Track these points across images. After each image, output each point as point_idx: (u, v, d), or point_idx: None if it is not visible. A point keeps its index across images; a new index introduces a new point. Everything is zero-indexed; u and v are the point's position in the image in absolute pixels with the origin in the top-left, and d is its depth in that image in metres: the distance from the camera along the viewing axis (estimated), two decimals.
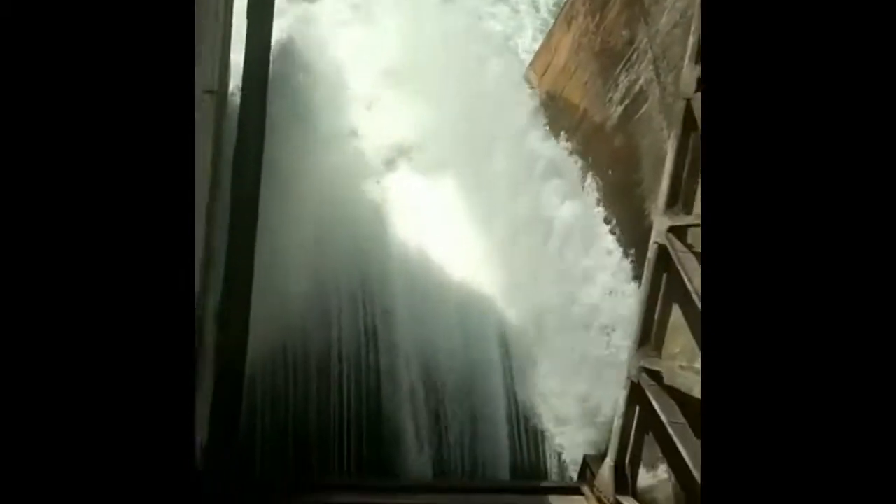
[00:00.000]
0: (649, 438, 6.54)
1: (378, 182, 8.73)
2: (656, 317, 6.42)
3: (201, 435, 5.31)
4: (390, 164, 9.12)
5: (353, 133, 9.03)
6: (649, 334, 6.49)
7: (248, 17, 5.65)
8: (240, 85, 5.71)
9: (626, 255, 7.50)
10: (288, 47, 7.43)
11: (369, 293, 7.59)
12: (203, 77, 3.26)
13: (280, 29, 7.54)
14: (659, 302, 6.44)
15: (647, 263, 6.59)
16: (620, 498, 6.51)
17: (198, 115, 2.98)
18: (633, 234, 7.44)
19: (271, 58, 7.16)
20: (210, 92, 3.56)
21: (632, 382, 6.52)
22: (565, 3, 9.51)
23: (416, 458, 7.11)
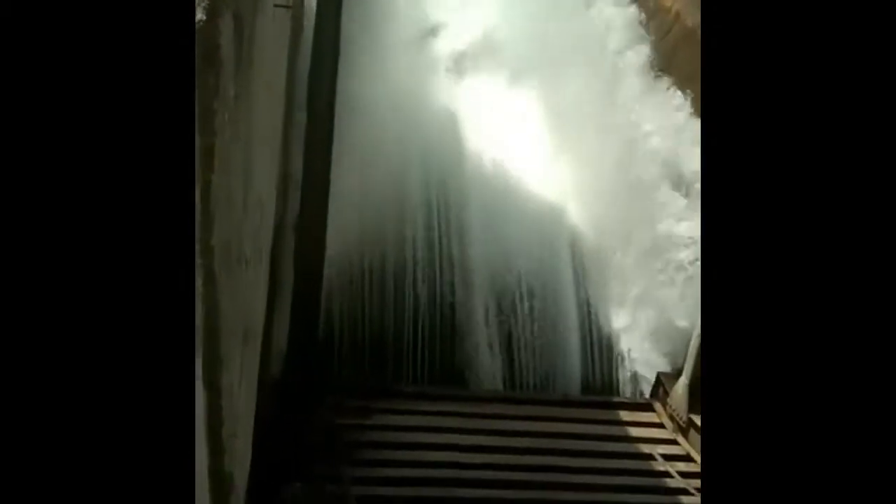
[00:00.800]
0: None
1: (456, 85, 8.51)
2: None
3: (281, 341, 5.51)
4: (469, 66, 8.84)
5: (433, 32, 8.75)
6: None
7: None
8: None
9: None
10: None
11: (444, 201, 7.57)
12: None
13: None
14: None
15: None
16: (693, 416, 6.47)
17: (271, 31, 2.91)
18: None
19: None
20: (282, 6, 3.46)
21: None
22: None
23: (488, 369, 7.22)
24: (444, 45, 8.75)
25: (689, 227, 7.08)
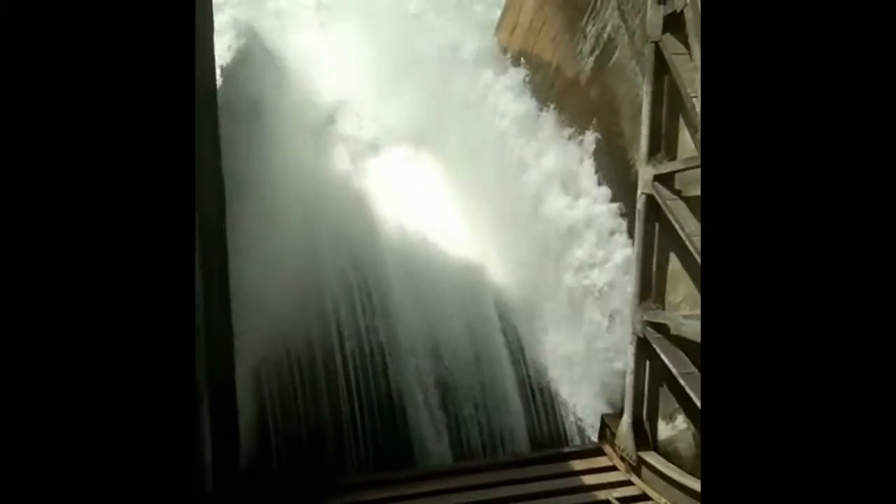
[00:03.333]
0: (663, 391, 6.45)
1: (357, 167, 8.59)
2: (654, 268, 6.30)
3: (207, 454, 5.25)
4: (367, 149, 8.95)
5: (330, 122, 8.88)
6: (649, 287, 6.37)
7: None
8: None
9: (614, 206, 7.33)
10: (251, 43, 7.31)
11: (363, 280, 7.51)
12: None
13: (241, 27, 7.43)
14: (654, 253, 6.31)
15: (637, 215, 6.45)
16: (642, 454, 6.44)
17: None
18: (619, 185, 7.27)
19: (236, 54, 7.09)
20: None
21: (638, 338, 6.42)
22: None
23: (434, 442, 7.05)
24: (343, 129, 8.89)
25: (602, 270, 7.19)
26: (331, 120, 8.90)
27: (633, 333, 6.49)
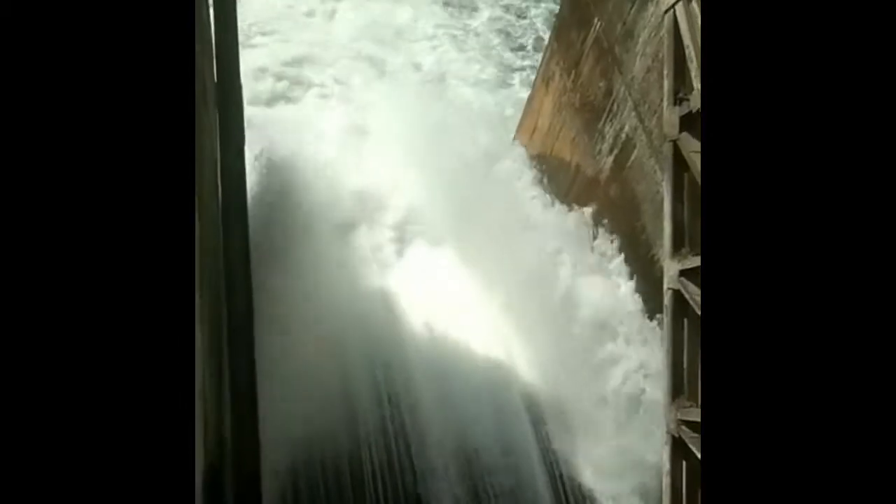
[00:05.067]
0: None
1: (383, 264, 8.71)
2: (685, 364, 6.20)
3: None
4: (393, 245, 9.10)
5: (353, 226, 9.09)
6: (681, 384, 6.24)
7: (221, 125, 5.70)
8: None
9: (640, 301, 7.32)
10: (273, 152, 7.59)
11: (390, 381, 7.46)
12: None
13: (264, 136, 7.75)
14: (685, 348, 6.23)
15: (664, 310, 6.41)
16: None
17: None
18: (645, 281, 7.28)
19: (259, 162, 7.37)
20: None
21: (672, 437, 6.25)
22: (540, 66, 9.64)
23: None
24: (366, 229, 9.08)
25: (637, 363, 7.11)
26: (356, 218, 9.09)
27: (668, 432, 6.32)
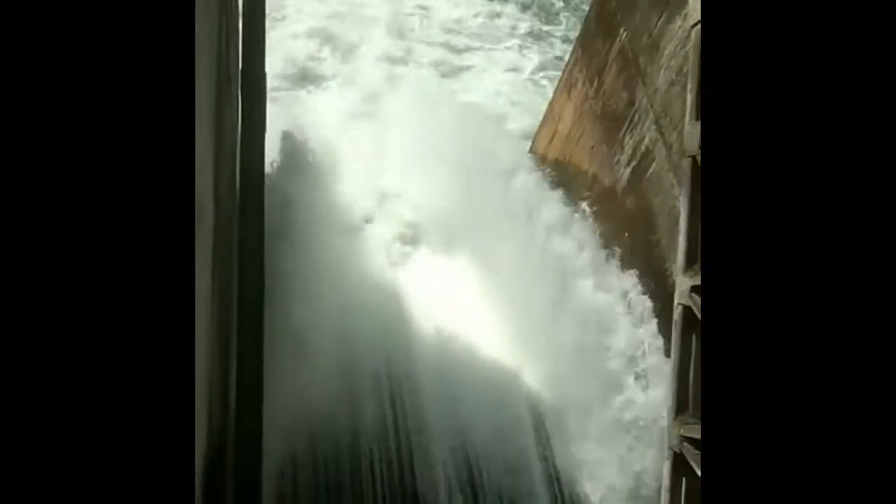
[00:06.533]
0: None
1: (393, 264, 8.74)
2: (690, 381, 6.17)
3: None
4: (404, 247, 9.12)
5: (367, 220, 9.12)
6: (686, 400, 6.22)
7: (243, 113, 5.73)
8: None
9: (650, 315, 7.29)
10: (294, 140, 7.62)
11: (395, 378, 7.48)
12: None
13: (284, 122, 7.78)
14: (692, 365, 6.20)
15: (674, 325, 6.38)
16: None
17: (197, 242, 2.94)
18: (656, 295, 7.25)
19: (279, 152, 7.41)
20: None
21: (674, 453, 6.22)
22: (563, 72, 9.62)
23: None
24: (379, 226, 9.11)
25: (637, 385, 7.09)
26: (367, 217, 9.14)
27: (669, 448, 6.30)
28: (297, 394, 6.63)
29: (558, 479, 7.27)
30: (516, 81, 12.15)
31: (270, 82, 6.07)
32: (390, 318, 7.85)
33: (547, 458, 7.38)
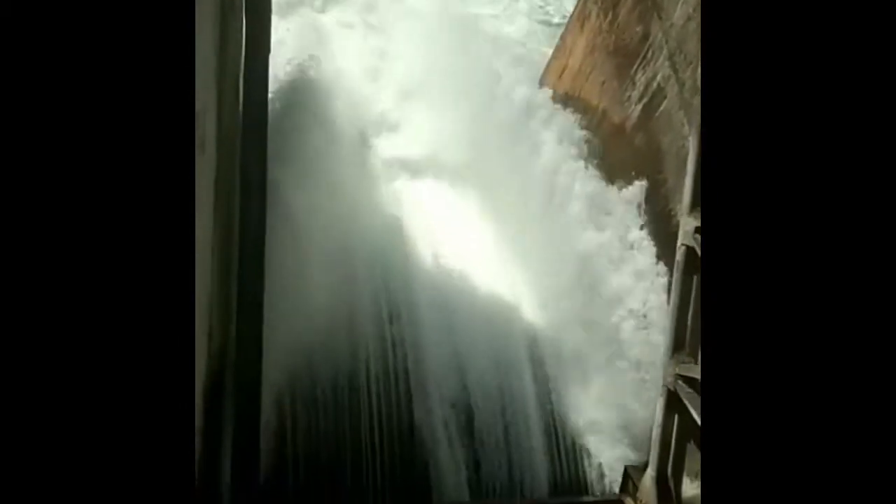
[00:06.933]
0: (690, 447, 6.33)
1: (395, 190, 8.68)
2: (689, 321, 6.21)
3: (226, 474, 5.26)
4: (408, 175, 9.05)
5: (370, 146, 9.02)
6: (683, 340, 6.28)
7: (247, 35, 5.61)
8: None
9: (654, 256, 7.28)
10: (300, 62, 7.48)
11: (394, 307, 7.52)
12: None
13: (290, 44, 7.61)
14: (691, 305, 6.23)
15: (675, 266, 6.39)
16: None
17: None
18: (660, 235, 7.23)
19: (285, 74, 7.27)
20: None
21: (668, 390, 6.32)
22: (577, 5, 9.36)
23: (453, 478, 6.98)
24: (383, 151, 9.01)
25: (636, 323, 7.12)
26: (371, 139, 9.02)
27: (664, 385, 6.39)
28: (296, 320, 6.67)
29: (552, 412, 7.38)
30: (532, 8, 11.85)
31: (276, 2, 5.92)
32: (391, 245, 7.84)
33: (542, 393, 7.48)
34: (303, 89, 7.47)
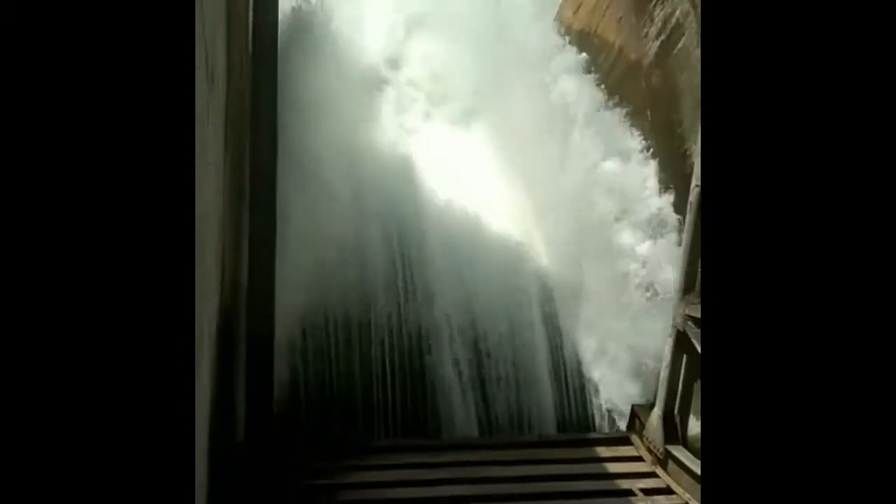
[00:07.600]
0: (697, 386, 6.37)
1: (408, 132, 8.58)
2: (700, 263, 6.18)
3: (241, 406, 5.36)
4: (418, 114, 8.93)
5: (382, 82, 8.88)
6: (693, 281, 6.26)
7: None
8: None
9: (667, 196, 7.21)
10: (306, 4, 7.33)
11: (406, 248, 7.53)
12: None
13: None
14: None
15: (688, 207, 6.32)
16: (670, 447, 6.38)
17: (199, 106, 2.88)
18: (674, 176, 7.14)
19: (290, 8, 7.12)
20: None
21: (677, 331, 6.33)
22: None
23: (461, 415, 7.09)
24: (393, 86, 8.88)
25: (647, 263, 7.10)
26: (383, 80, 8.88)
27: (673, 326, 6.40)
28: (307, 260, 6.70)
29: (561, 351, 7.44)
30: None
31: None
32: (402, 184, 7.80)
33: (551, 332, 7.52)
34: (308, 22, 7.34)
